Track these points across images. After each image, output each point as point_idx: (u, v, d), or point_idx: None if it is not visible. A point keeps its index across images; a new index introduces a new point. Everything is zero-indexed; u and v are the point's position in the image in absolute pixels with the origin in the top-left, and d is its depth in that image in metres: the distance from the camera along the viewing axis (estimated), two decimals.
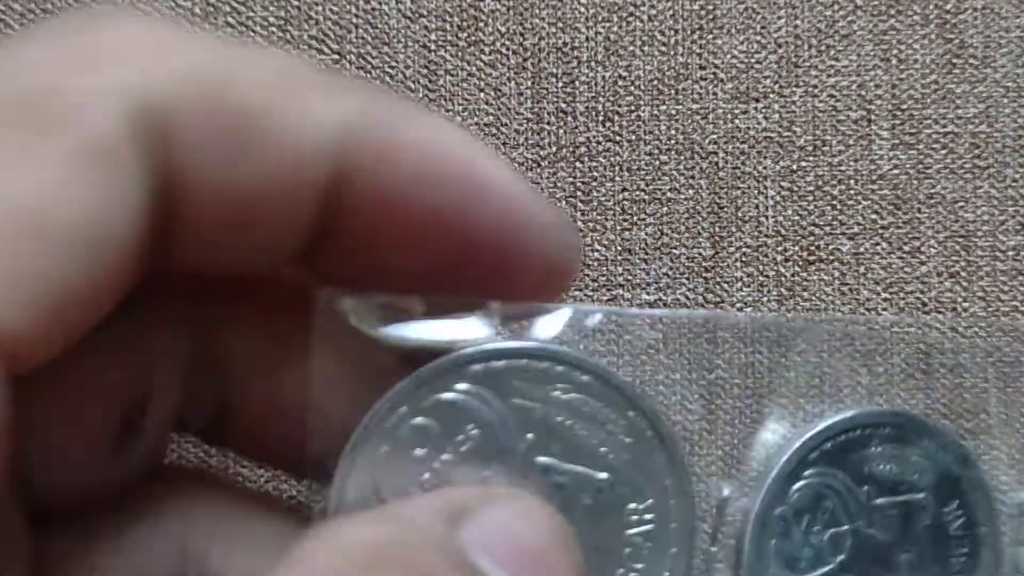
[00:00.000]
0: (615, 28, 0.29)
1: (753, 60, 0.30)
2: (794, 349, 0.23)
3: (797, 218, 0.29)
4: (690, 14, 0.30)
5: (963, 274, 0.29)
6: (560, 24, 0.29)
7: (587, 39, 0.29)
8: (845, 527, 0.21)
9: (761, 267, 0.29)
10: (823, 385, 0.23)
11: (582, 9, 0.29)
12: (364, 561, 0.16)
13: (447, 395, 0.19)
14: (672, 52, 0.29)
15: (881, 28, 0.30)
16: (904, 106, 0.29)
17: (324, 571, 0.15)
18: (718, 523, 0.21)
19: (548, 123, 0.29)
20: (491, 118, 0.29)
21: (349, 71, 0.29)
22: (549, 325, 0.20)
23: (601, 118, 0.29)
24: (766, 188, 0.29)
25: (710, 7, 0.30)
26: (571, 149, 0.29)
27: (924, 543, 0.22)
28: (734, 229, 0.29)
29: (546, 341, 0.20)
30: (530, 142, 0.29)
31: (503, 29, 0.29)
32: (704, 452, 0.22)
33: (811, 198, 0.29)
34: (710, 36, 0.30)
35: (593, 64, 0.29)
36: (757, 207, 0.29)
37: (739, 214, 0.29)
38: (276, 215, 0.17)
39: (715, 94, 0.29)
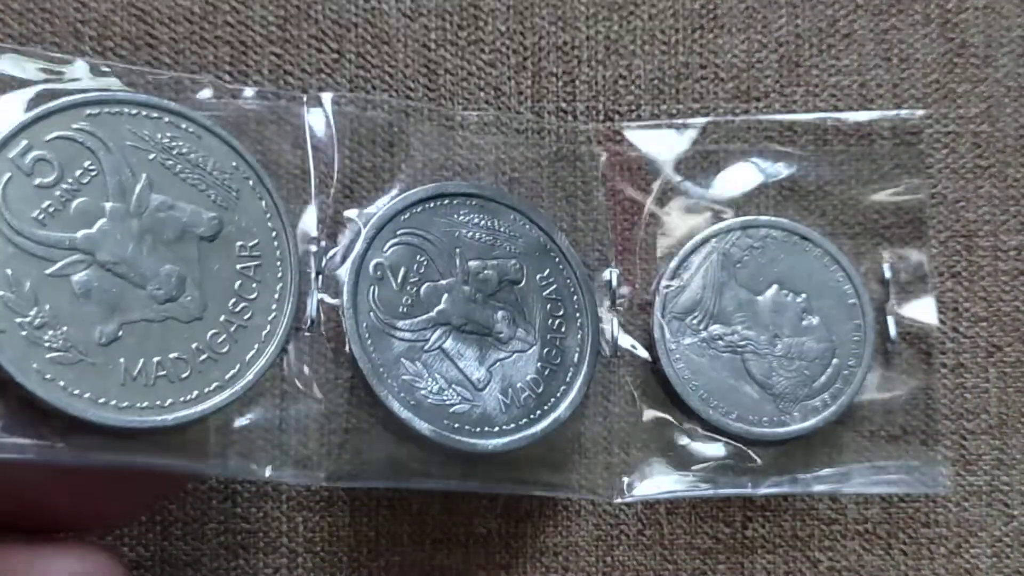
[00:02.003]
0: (615, 27, 0.29)
1: (754, 59, 0.29)
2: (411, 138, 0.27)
3: (798, 218, 0.29)
4: (690, 13, 0.29)
5: (964, 274, 0.29)
6: (560, 23, 0.29)
7: (587, 38, 0.29)
8: (441, 281, 0.25)
9: None
10: (429, 168, 0.27)
11: (582, 8, 0.29)
12: None
13: (65, 132, 0.22)
14: (672, 51, 0.29)
15: (882, 27, 0.30)
16: (905, 105, 0.29)
17: None
18: (319, 268, 0.25)
19: (548, 123, 0.29)
20: (491, 118, 0.29)
21: (349, 70, 0.29)
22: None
23: (601, 118, 0.29)
24: (767, 188, 0.29)
25: (711, 6, 0.30)
26: (571, 149, 0.29)
27: (518, 304, 0.26)
28: None
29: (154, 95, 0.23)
30: (530, 142, 0.29)
31: (503, 28, 0.29)
32: (310, 214, 0.25)
33: (812, 198, 0.29)
34: (711, 35, 0.29)
35: (593, 63, 0.29)
36: (758, 207, 0.29)
37: (739, 214, 0.29)
38: None
39: (715, 94, 0.29)
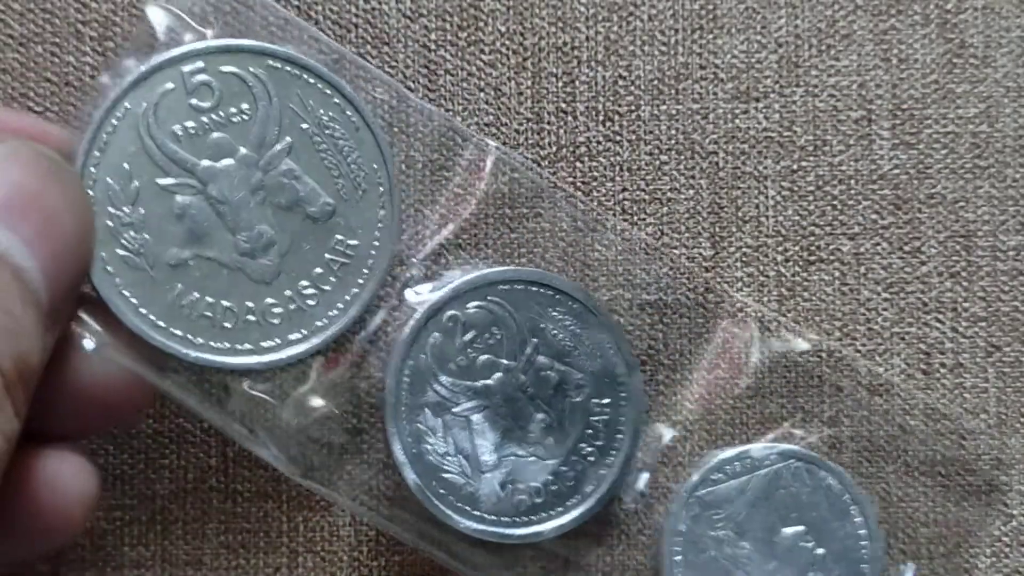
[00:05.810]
0: (615, 28, 0.29)
1: (753, 60, 0.29)
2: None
3: (797, 218, 0.29)
4: (690, 14, 0.30)
5: (964, 274, 0.29)
6: (560, 24, 0.29)
7: (587, 39, 0.29)
8: (502, 361, 0.25)
9: (761, 267, 0.29)
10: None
11: (582, 9, 0.29)
12: None
13: (240, 71, 0.24)
14: (672, 52, 0.29)
15: (882, 28, 0.30)
16: (905, 106, 0.29)
17: None
18: (398, 295, 0.25)
19: (548, 123, 0.29)
20: (491, 118, 0.29)
21: (349, 71, 0.29)
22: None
23: (601, 118, 0.29)
24: (766, 188, 0.29)
25: (710, 7, 0.30)
26: (571, 149, 0.29)
27: (563, 415, 0.25)
28: (734, 229, 0.29)
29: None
30: (530, 142, 0.29)
31: (503, 29, 0.29)
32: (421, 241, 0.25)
33: (812, 198, 0.29)
34: (710, 36, 0.30)
35: (593, 64, 0.29)
36: (757, 207, 0.29)
37: (739, 214, 0.29)
38: None
39: (715, 94, 0.29)
